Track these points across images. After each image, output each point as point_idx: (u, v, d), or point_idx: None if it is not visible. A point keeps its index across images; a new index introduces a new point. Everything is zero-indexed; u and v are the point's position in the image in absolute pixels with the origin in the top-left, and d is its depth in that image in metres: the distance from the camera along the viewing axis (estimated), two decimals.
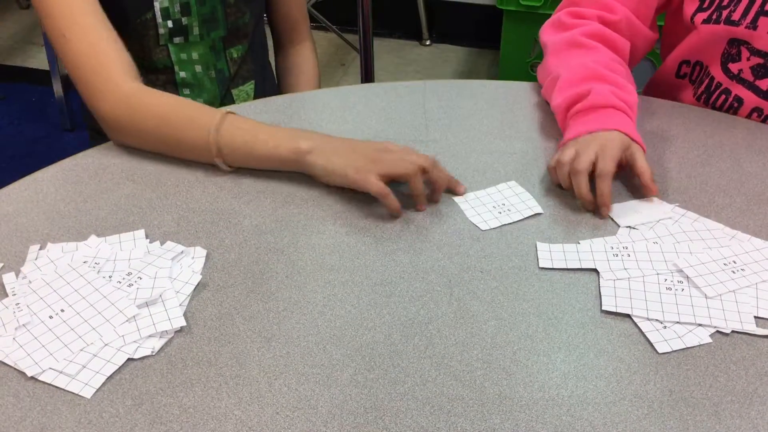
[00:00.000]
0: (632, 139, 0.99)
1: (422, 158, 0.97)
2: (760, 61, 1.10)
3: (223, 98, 1.30)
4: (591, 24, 1.15)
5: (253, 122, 1.03)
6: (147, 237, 0.91)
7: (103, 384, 0.74)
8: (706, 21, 1.13)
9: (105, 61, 1.05)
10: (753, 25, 1.09)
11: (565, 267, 0.88)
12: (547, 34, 1.20)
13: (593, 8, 1.16)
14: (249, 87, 1.34)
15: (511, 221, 0.95)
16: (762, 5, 1.08)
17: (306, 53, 1.43)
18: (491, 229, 0.94)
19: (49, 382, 0.74)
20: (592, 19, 1.15)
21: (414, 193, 0.96)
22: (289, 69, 1.43)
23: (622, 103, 1.03)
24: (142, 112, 1.03)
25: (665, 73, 1.25)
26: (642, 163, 0.97)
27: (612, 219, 0.95)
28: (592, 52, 1.11)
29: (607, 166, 0.95)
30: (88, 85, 1.05)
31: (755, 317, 0.81)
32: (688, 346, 0.78)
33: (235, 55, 1.29)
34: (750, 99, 1.13)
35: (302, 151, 0.98)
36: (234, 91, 1.32)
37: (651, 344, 0.78)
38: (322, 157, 0.98)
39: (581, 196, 0.95)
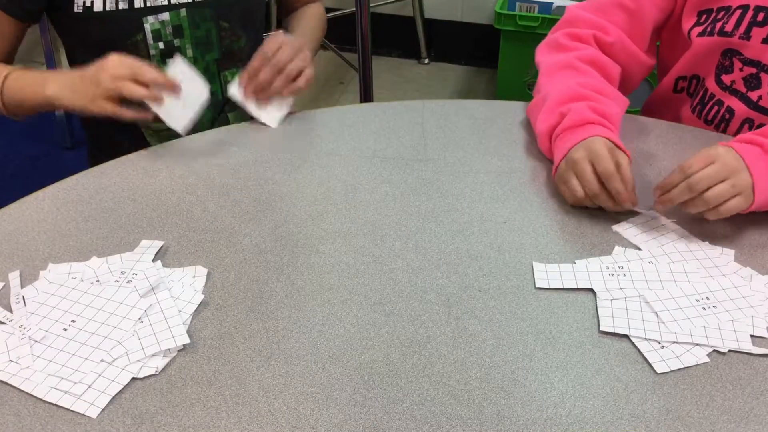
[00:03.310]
0: (614, 143, 1.00)
1: (119, 70, 1.04)
2: (753, 71, 1.12)
3: (215, 120, 1.31)
4: (587, 49, 1.16)
5: (26, 78, 1.13)
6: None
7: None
8: (701, 34, 1.16)
9: None
10: (746, 35, 1.11)
11: (561, 287, 0.88)
12: (542, 54, 1.21)
13: (589, 28, 1.18)
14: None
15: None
16: (754, 16, 1.10)
17: (312, 8, 1.44)
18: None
19: (54, 402, 0.74)
20: (588, 40, 1.17)
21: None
22: (291, 19, 1.43)
23: (598, 117, 1.03)
24: None
25: (663, 90, 1.27)
26: (625, 171, 0.97)
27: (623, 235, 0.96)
28: (581, 74, 1.12)
29: (608, 166, 0.95)
30: None
31: (751, 336, 0.82)
32: (686, 365, 0.79)
33: (229, 79, 1.29)
34: (741, 110, 1.15)
35: (51, 98, 1.09)
36: (230, 115, 1.33)
37: (649, 364, 0.79)
38: (67, 100, 1.08)
39: (620, 199, 0.96)
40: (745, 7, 1.11)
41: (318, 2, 1.47)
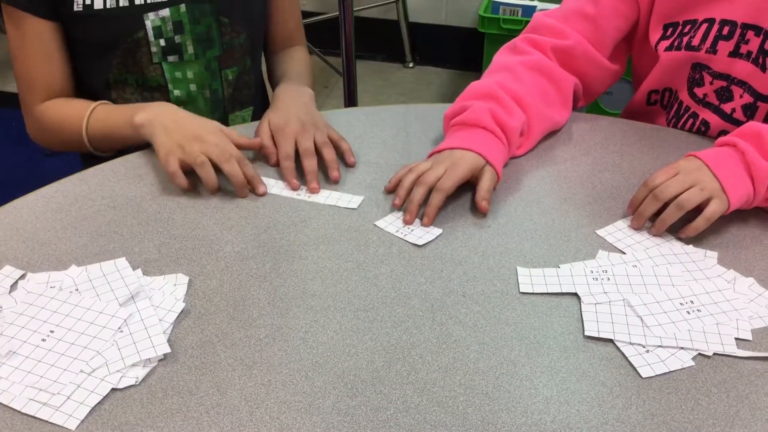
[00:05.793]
0: (487, 161, 1.01)
1: (220, 153, 1.03)
2: (723, 84, 1.12)
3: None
4: (537, 54, 1.15)
5: (113, 109, 1.16)
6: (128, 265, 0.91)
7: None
8: (668, 48, 1.15)
9: (31, 85, 1.19)
10: (713, 49, 1.10)
11: (545, 291, 0.88)
12: (498, 55, 1.21)
13: (548, 36, 1.17)
14: (246, 113, 1.33)
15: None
16: (720, 29, 1.10)
17: (299, 51, 1.41)
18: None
19: (32, 414, 0.73)
20: (545, 47, 1.16)
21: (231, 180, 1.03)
22: (279, 62, 1.39)
23: (495, 125, 1.04)
24: (45, 129, 1.21)
25: (636, 103, 1.27)
26: (484, 183, 1.00)
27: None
28: (515, 77, 1.12)
29: (446, 183, 0.98)
30: (22, 108, 1.22)
31: (736, 339, 0.82)
32: (671, 369, 0.78)
33: (230, 77, 1.29)
34: (716, 122, 1.14)
35: (137, 125, 1.08)
36: (230, 116, 1.32)
37: (634, 368, 0.79)
38: (149, 131, 1.07)
39: (411, 205, 0.98)
40: (711, 21, 1.11)
41: (303, 47, 1.43)
